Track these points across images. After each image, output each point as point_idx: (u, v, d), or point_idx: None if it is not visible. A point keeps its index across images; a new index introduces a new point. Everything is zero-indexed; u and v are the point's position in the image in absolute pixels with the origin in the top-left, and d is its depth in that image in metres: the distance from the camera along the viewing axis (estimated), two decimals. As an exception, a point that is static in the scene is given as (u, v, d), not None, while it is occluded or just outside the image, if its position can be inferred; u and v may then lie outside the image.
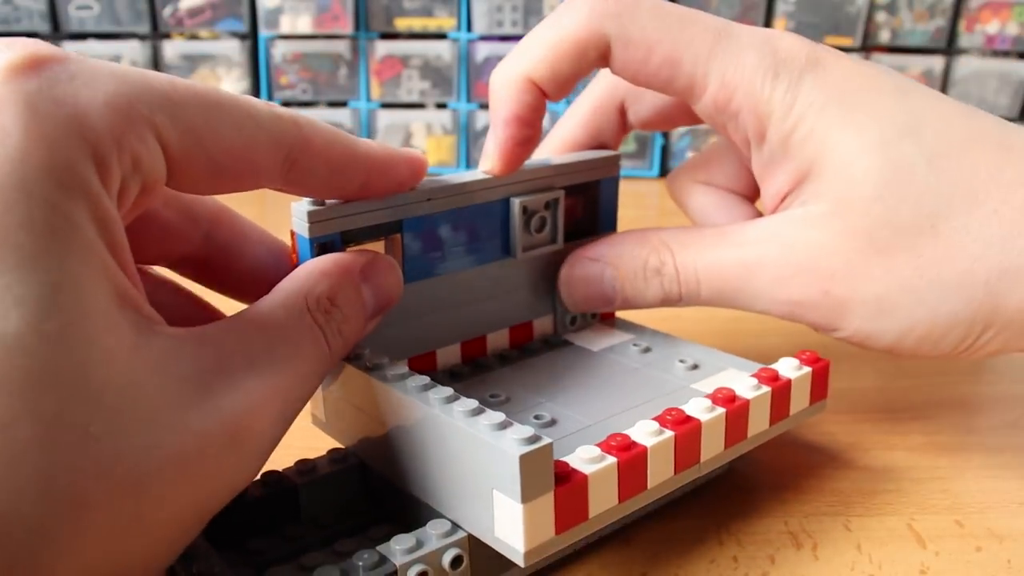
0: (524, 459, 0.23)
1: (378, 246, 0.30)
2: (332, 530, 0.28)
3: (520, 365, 0.34)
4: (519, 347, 0.36)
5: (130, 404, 0.19)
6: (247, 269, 0.29)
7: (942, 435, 0.38)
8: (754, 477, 0.34)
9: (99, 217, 0.20)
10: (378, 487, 0.30)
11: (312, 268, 0.26)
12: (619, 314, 0.39)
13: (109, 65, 0.21)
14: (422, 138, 0.78)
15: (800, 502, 0.33)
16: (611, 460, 0.25)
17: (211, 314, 0.29)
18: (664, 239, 0.33)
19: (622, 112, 0.37)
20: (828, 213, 0.30)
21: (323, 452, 0.30)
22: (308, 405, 0.32)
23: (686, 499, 0.32)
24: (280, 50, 0.76)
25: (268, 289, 0.26)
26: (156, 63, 0.76)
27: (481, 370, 0.34)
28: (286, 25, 0.75)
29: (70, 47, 0.74)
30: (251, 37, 0.76)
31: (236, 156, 0.22)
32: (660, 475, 0.27)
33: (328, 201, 0.28)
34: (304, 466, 0.29)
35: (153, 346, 0.20)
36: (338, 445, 0.30)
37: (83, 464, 0.18)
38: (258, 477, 0.28)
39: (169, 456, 0.20)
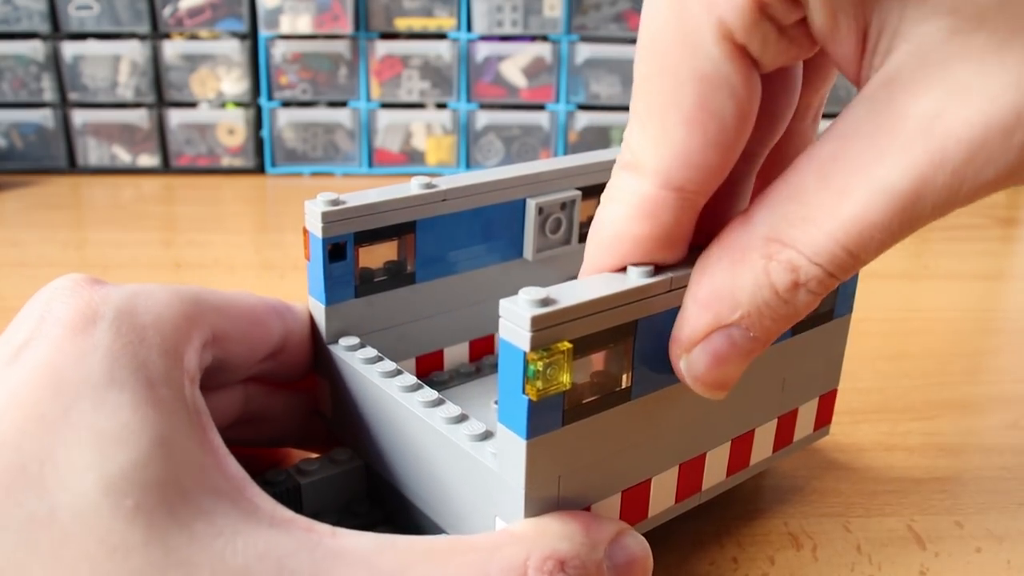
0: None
1: (391, 246, 0.30)
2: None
3: None
4: None
5: None
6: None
7: (942, 435, 0.38)
8: (753, 478, 0.34)
9: (191, 405, 0.23)
10: (379, 488, 0.30)
11: (546, 526, 0.22)
12: None
13: (156, 289, 0.25)
14: (422, 138, 0.78)
15: (800, 503, 0.33)
16: (615, 493, 0.25)
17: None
18: (765, 234, 0.21)
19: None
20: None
21: (327, 451, 0.30)
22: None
23: (687, 499, 0.32)
24: (280, 50, 0.76)
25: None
26: (156, 63, 0.76)
27: (488, 370, 0.34)
28: (286, 25, 0.75)
29: (70, 47, 0.74)
30: (251, 37, 0.76)
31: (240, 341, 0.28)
32: (661, 504, 0.27)
33: (343, 199, 0.28)
34: (307, 465, 0.29)
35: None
36: (340, 444, 0.30)
37: None
38: (261, 475, 0.28)
39: None
